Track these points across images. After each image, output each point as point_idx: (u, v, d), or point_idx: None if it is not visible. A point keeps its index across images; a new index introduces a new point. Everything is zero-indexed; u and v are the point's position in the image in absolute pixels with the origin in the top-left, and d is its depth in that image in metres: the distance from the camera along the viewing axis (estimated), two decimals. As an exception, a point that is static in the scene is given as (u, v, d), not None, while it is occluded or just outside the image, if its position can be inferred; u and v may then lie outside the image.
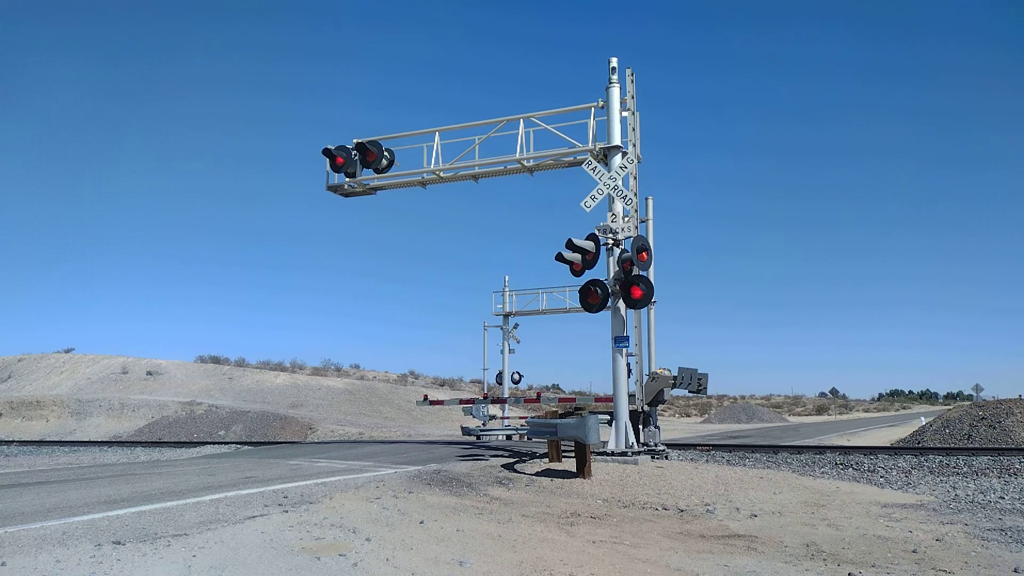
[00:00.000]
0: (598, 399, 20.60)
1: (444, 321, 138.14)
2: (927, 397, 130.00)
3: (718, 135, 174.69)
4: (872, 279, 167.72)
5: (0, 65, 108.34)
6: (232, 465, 14.24)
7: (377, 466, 13.45)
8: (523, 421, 23.97)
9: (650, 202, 15.61)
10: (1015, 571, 5.98)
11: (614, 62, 13.80)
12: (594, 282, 13.28)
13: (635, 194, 13.73)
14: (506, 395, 25.09)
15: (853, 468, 13.44)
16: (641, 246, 13.05)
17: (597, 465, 12.03)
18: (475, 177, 15.84)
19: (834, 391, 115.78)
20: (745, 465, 13.86)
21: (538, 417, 14.02)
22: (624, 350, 13.10)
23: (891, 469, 13.15)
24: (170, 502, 8.45)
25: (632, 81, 14.12)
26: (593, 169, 13.20)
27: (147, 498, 8.89)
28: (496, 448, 18.62)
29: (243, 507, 7.98)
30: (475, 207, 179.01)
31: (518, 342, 25.52)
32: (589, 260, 13.51)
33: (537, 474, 12.03)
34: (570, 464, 12.31)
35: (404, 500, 8.88)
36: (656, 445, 14.13)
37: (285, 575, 5.22)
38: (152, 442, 28.58)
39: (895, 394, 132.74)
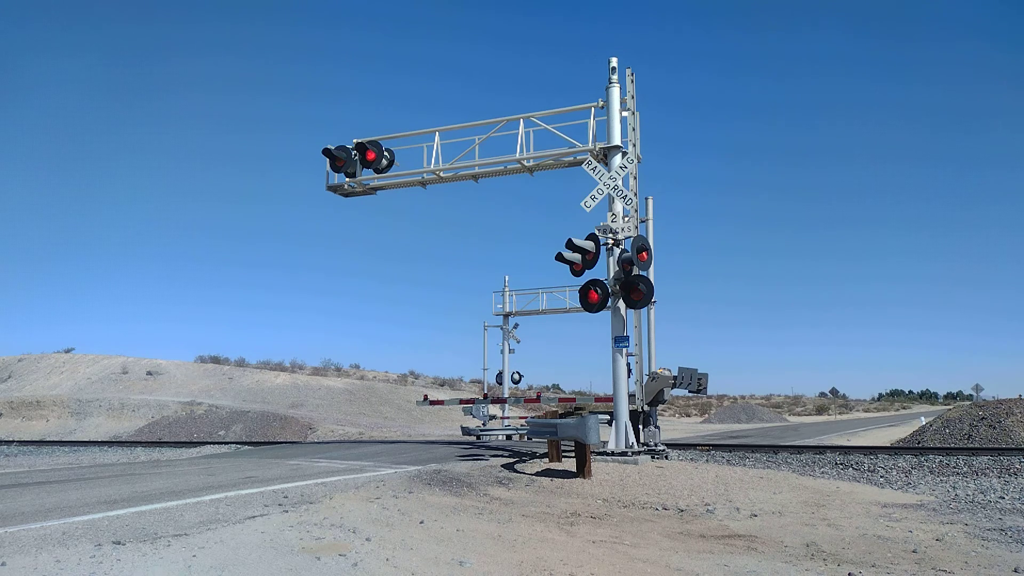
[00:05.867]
0: (598, 399, 20.57)
1: (444, 321, 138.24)
2: (927, 397, 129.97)
3: (718, 135, 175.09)
4: (872, 279, 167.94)
5: (0, 65, 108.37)
6: (232, 465, 14.24)
7: (377, 466, 13.45)
8: (523, 421, 23.99)
9: (650, 202, 15.61)
10: (1015, 571, 5.97)
11: (614, 62, 13.80)
12: (594, 282, 13.27)
13: (635, 194, 13.73)
14: (506, 395, 25.07)
15: (853, 468, 13.44)
16: (641, 246, 13.05)
17: (597, 465, 12.03)
18: (475, 177, 15.83)
19: (834, 391, 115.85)
20: (745, 465, 13.86)
21: (538, 417, 14.01)
22: (624, 350, 13.10)
23: (891, 469, 13.15)
24: (170, 502, 8.45)
25: (632, 81, 14.12)
26: (593, 169, 13.19)
27: (147, 498, 8.89)
28: (496, 448, 18.61)
29: (243, 507, 7.98)
30: (475, 207, 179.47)
31: (518, 342, 25.55)
32: (589, 260, 13.50)
33: (537, 474, 12.03)
34: (570, 464, 12.31)
35: (404, 500, 8.88)
36: (656, 445, 14.13)
37: (285, 575, 5.22)
38: (152, 442, 28.58)
39: (895, 394, 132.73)
